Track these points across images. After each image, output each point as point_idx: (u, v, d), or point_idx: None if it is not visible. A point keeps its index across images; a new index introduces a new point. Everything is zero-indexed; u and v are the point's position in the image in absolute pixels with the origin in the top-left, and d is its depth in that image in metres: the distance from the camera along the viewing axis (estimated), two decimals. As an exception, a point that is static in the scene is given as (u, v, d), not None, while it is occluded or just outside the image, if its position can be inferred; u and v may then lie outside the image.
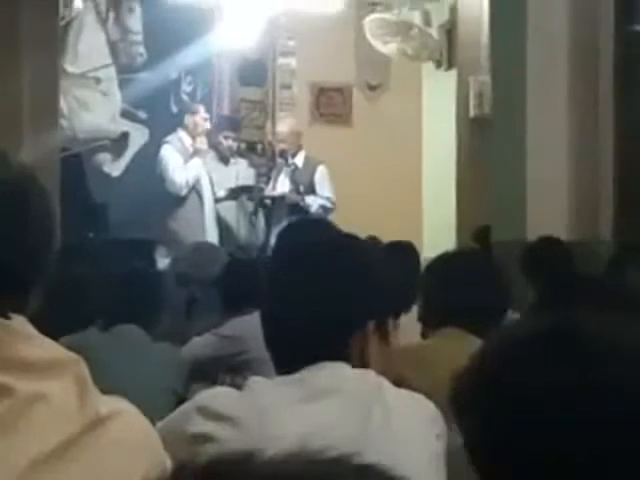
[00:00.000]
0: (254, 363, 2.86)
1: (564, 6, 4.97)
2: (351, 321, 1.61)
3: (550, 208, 4.95)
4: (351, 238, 1.77)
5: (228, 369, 3.36)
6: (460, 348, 1.91)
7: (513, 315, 2.55)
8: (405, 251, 3.92)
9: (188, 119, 6.39)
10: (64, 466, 0.98)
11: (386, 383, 1.61)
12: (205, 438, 1.45)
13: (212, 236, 6.22)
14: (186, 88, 6.76)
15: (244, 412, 1.50)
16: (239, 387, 1.61)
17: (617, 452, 0.81)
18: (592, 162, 4.98)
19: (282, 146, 6.27)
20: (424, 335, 2.58)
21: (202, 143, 6.28)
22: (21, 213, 1.02)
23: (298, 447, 1.14)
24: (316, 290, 1.58)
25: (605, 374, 0.85)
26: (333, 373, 1.54)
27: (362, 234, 2.22)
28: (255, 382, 1.57)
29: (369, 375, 1.57)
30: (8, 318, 0.98)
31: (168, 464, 1.07)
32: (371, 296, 1.60)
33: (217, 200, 6.39)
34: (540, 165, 4.94)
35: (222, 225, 6.43)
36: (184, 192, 6.21)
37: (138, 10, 6.52)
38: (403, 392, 1.62)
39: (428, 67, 6.90)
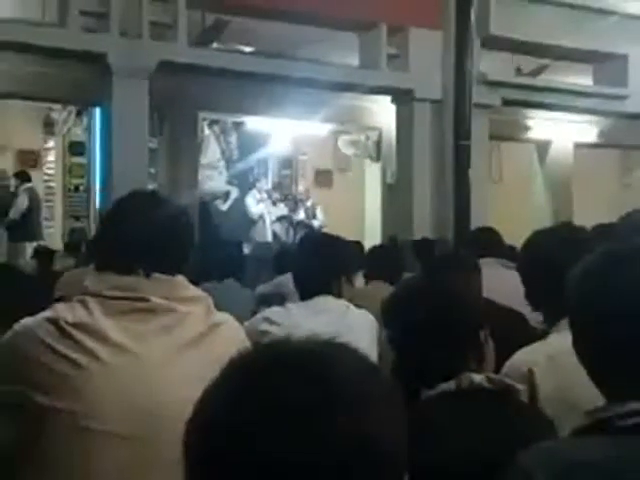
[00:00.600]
0: (289, 296, 3.49)
1: (430, 131, 8.31)
2: (335, 272, 2.57)
3: (423, 223, 8.22)
4: (332, 236, 2.80)
5: (276, 299, 4.06)
6: (385, 289, 3.25)
7: (406, 276, 3.89)
8: (357, 245, 5.83)
9: (257, 184, 11.02)
10: (200, 346, 1.55)
11: (351, 305, 2.57)
12: (265, 333, 2.37)
13: (269, 239, 10.49)
14: (256, 170, 11.32)
15: (284, 320, 2.45)
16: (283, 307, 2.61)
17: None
18: (443, 205, 8.26)
19: (300, 197, 11.02)
20: (366, 283, 4.13)
21: (263, 196, 10.89)
22: (183, 228, 1.64)
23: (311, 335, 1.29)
24: (314, 260, 2.56)
25: (446, 309, 1.54)
26: (325, 301, 2.52)
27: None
28: (290, 305, 2.59)
29: (341, 301, 2.55)
30: (175, 276, 1.59)
31: (249, 346, 1.25)
32: (337, 262, 2.59)
33: (272, 222, 10.79)
34: (417, 205, 8.36)
35: (274, 234, 10.75)
36: (256, 218, 10.54)
37: (234, 134, 11.14)
38: (358, 309, 2.59)
39: (367, 161, 10.73)
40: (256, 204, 10.79)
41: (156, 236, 1.59)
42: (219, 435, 0.76)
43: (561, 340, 1.74)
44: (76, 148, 10.82)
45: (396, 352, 1.64)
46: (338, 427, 0.74)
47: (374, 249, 4.61)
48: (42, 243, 8.77)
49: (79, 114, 10.60)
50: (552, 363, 1.75)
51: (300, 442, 0.73)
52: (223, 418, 0.76)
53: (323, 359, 0.79)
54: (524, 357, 1.83)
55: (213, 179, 10.89)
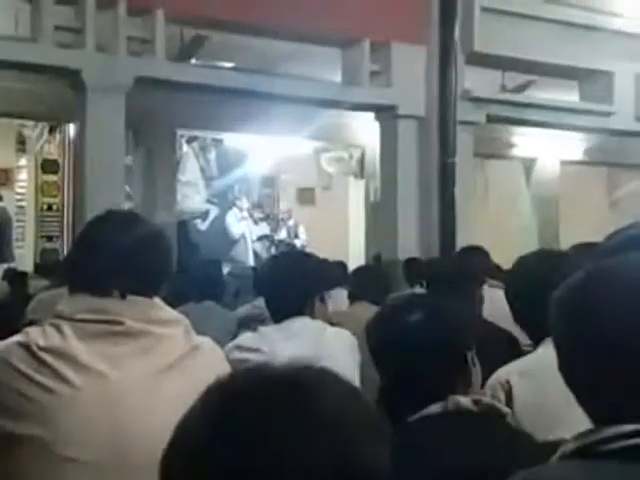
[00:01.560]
0: (268, 318, 3.04)
1: (414, 149, 8.19)
2: (306, 292, 2.52)
3: (407, 242, 8.03)
4: (303, 254, 3.22)
5: (256, 321, 4.02)
6: (369, 310, 3.13)
7: (393, 294, 4.05)
8: (341, 265, 6.27)
9: (238, 203, 11.07)
10: (178, 370, 1.54)
11: (327, 326, 2.53)
12: (241, 361, 2.25)
13: (250, 258, 10.62)
14: (237, 188, 11.34)
15: (260, 344, 2.43)
16: (255, 331, 2.57)
17: None
18: (428, 224, 8.19)
19: (282, 216, 11.07)
20: (350, 304, 4.15)
21: (244, 215, 10.99)
22: (160, 249, 1.64)
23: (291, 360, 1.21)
24: (281, 281, 2.54)
25: (435, 331, 1.53)
26: (300, 323, 2.48)
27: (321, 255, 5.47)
28: (262, 329, 2.55)
29: (317, 322, 2.50)
30: (151, 299, 1.58)
31: (229, 370, 1.34)
32: (307, 280, 2.52)
33: (253, 241, 10.88)
34: (402, 224, 8.15)
35: (255, 253, 10.91)
36: (237, 237, 10.60)
37: (214, 151, 11.18)
38: (336, 329, 2.58)
39: (351, 178, 10.99)
40: (237, 222, 10.91)
41: (132, 257, 1.58)
42: (199, 461, 0.76)
43: (539, 355, 1.85)
44: (49, 166, 10.78)
45: (380, 374, 1.64)
46: (321, 452, 0.74)
47: (358, 269, 4.63)
48: (12, 265, 8.69)
49: (52, 131, 10.57)
50: (528, 375, 1.83)
51: (283, 469, 0.73)
52: (204, 444, 0.76)
53: (305, 384, 0.79)
54: (504, 369, 1.94)
55: (192, 198, 10.92)
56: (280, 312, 2.53)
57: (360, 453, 0.77)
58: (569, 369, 1.12)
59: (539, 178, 11.59)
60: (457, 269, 3.41)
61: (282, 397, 0.77)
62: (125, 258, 1.58)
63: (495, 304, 3.46)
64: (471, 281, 3.21)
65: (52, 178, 10.81)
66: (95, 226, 1.68)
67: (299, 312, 2.52)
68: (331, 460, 0.75)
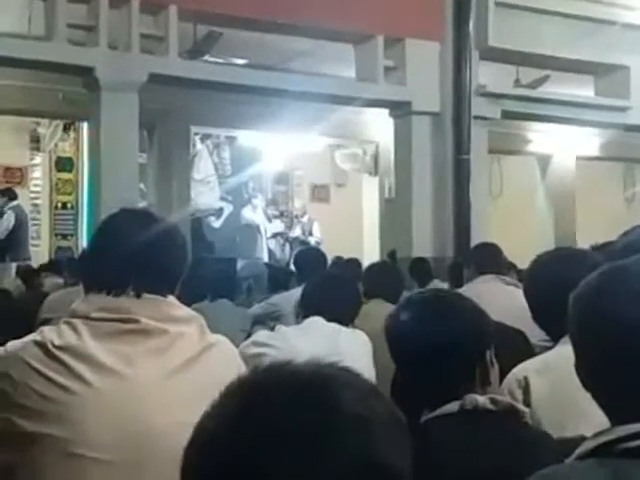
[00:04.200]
0: (283, 317, 3.83)
1: (428, 145, 8.06)
2: (356, 306, 2.77)
3: (422, 238, 7.99)
4: (344, 274, 3.35)
5: (271, 319, 4.45)
6: (384, 307, 3.31)
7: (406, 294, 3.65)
8: (355, 262, 6.13)
9: (253, 201, 11.05)
10: (193, 368, 1.54)
11: (343, 328, 2.59)
12: (258, 355, 2.39)
13: (265, 256, 10.61)
14: (250, 185, 11.34)
15: (276, 340, 2.51)
16: (273, 330, 2.65)
17: None
18: (442, 220, 7.93)
19: (296, 213, 11.06)
20: (365, 302, 3.74)
21: (259, 213, 10.97)
22: (175, 247, 1.64)
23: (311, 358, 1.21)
24: (339, 295, 2.70)
25: (457, 330, 1.53)
26: (317, 322, 2.59)
27: (333, 254, 6.06)
28: (280, 327, 2.68)
29: (332, 324, 2.58)
30: (166, 297, 1.59)
31: (243, 368, 1.55)
32: (352, 303, 2.75)
33: (267, 238, 10.88)
34: (417, 220, 8.06)
35: (269, 251, 10.89)
36: (253, 226, 10.54)
37: (227, 149, 11.18)
38: (351, 330, 2.64)
39: (365, 175, 10.99)
40: (254, 213, 10.94)
41: (147, 255, 1.58)
42: (222, 457, 0.76)
43: (557, 352, 1.85)
44: (63, 164, 10.83)
45: (400, 373, 1.64)
46: (344, 450, 0.74)
47: (372, 266, 4.59)
48: (29, 263, 8.75)
49: (66, 129, 10.62)
50: (546, 372, 1.84)
51: (305, 464, 0.73)
52: (227, 440, 0.76)
53: (328, 382, 0.79)
54: (521, 367, 1.94)
55: (206, 195, 10.90)
56: (321, 315, 2.62)
57: (383, 450, 0.77)
58: (585, 367, 1.12)
59: (555, 174, 11.54)
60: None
61: (305, 394, 0.77)
62: (140, 256, 1.58)
63: (508, 301, 3.49)
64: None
65: (66, 176, 10.86)
66: (109, 224, 1.68)
67: (343, 322, 2.64)
68: (355, 457, 0.75)
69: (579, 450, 1.08)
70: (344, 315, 2.63)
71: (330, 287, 2.73)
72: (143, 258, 1.59)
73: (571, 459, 1.09)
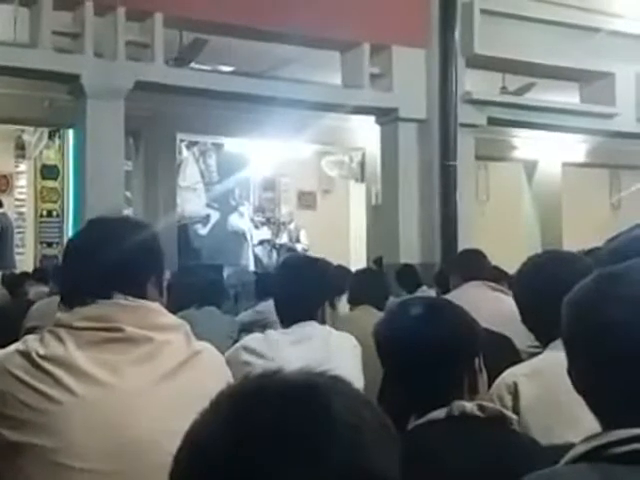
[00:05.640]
0: (270, 324, 3.53)
1: (415, 152, 8.20)
2: (319, 298, 2.53)
3: (409, 245, 8.06)
4: (314, 259, 2.81)
5: (258, 327, 4.29)
6: (370, 314, 3.55)
7: (393, 299, 4.14)
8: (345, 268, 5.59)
9: (240, 209, 11.07)
10: (179, 376, 1.53)
11: (332, 330, 2.52)
12: (247, 363, 2.30)
13: (251, 263, 10.65)
14: (237, 192, 11.35)
15: (265, 349, 2.40)
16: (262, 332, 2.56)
17: None
18: (429, 227, 8.11)
19: (283, 220, 11.07)
20: (351, 309, 4.09)
21: (246, 220, 11.06)
22: (154, 247, 1.64)
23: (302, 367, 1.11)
24: (296, 286, 2.51)
25: (447, 337, 1.54)
26: (307, 328, 2.47)
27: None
28: (270, 332, 2.52)
29: (325, 327, 2.50)
30: (145, 294, 1.58)
31: (230, 377, 1.60)
32: (320, 286, 2.55)
33: (254, 245, 10.92)
34: (404, 227, 8.13)
35: (256, 257, 10.94)
36: (240, 232, 10.59)
37: (214, 156, 11.17)
38: (340, 333, 2.55)
39: (352, 182, 11.09)
40: (240, 219, 10.96)
41: (118, 262, 1.57)
42: (214, 464, 0.76)
43: (547, 357, 1.84)
44: (49, 172, 10.78)
45: (389, 379, 1.64)
46: (335, 458, 0.75)
47: (359, 273, 4.59)
48: (14, 271, 8.69)
49: (51, 136, 10.57)
50: (536, 377, 1.82)
51: (296, 472, 0.74)
52: (219, 447, 0.76)
53: (319, 391, 0.80)
54: (510, 372, 1.93)
55: (192, 202, 10.90)
56: (291, 317, 2.51)
57: (373, 459, 0.77)
58: (578, 371, 1.12)
59: (541, 180, 11.59)
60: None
61: (297, 402, 0.78)
62: (109, 265, 1.57)
63: (495, 307, 3.50)
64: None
65: (52, 184, 10.81)
66: (82, 234, 1.70)
67: (310, 317, 2.50)
68: (345, 465, 0.75)
69: (570, 454, 1.08)
70: (306, 311, 2.50)
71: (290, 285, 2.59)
72: (114, 266, 1.57)
73: (562, 463, 1.09)
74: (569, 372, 1.15)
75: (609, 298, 1.09)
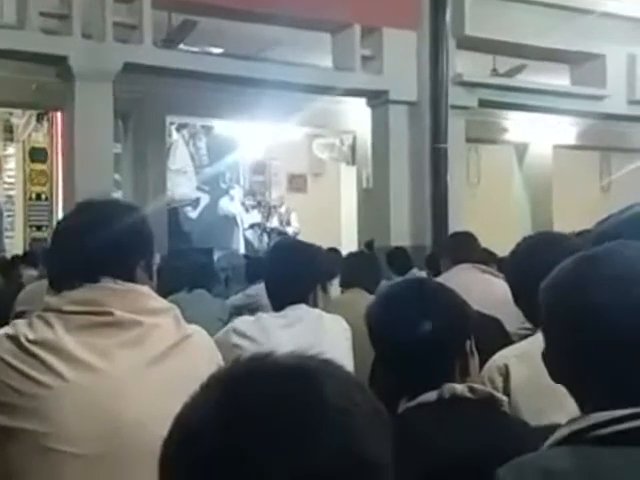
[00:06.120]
0: (261, 307, 3.52)
1: (406, 134, 8.18)
2: (310, 281, 2.52)
3: (400, 228, 8.08)
4: (305, 243, 2.79)
5: (249, 310, 4.26)
6: (362, 297, 3.58)
7: (383, 282, 4.09)
8: (337, 252, 5.92)
9: (231, 192, 11.05)
10: (169, 360, 1.54)
11: (324, 314, 2.50)
12: (237, 346, 2.30)
13: (241, 247, 10.63)
14: (227, 175, 11.34)
15: (255, 333, 2.40)
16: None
17: None
18: (420, 209, 8.13)
19: (274, 203, 11.07)
20: (342, 292, 4.12)
21: (237, 202, 11.01)
22: (143, 231, 1.63)
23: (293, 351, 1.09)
24: (287, 269, 2.49)
25: (438, 320, 1.53)
26: (298, 311, 2.46)
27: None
28: (260, 315, 2.51)
29: (314, 310, 2.48)
30: (133, 277, 1.58)
31: (221, 360, 1.63)
32: (311, 269, 2.53)
33: (245, 229, 10.92)
34: (394, 210, 8.03)
35: (247, 241, 10.93)
36: (231, 216, 10.61)
37: (204, 139, 11.13)
38: (331, 315, 2.54)
39: (343, 165, 11.03)
40: (231, 203, 10.93)
41: (107, 246, 1.56)
42: (205, 448, 0.75)
43: (538, 338, 1.83)
44: (37, 154, 10.72)
45: (380, 362, 1.64)
46: (327, 442, 0.75)
47: (350, 256, 4.58)
48: (4, 254, 8.65)
49: (40, 119, 10.50)
50: (527, 359, 1.80)
51: (288, 456, 0.74)
52: (210, 431, 0.76)
53: (311, 374, 0.79)
54: (502, 354, 1.93)
55: (182, 185, 10.83)
56: (283, 300, 2.49)
57: (366, 443, 0.77)
58: (556, 355, 1.13)
59: (532, 162, 11.61)
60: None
61: (289, 386, 0.78)
62: (96, 249, 1.56)
63: (485, 290, 3.51)
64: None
65: (40, 167, 10.75)
66: (70, 217, 1.69)
67: (302, 300, 2.49)
68: (338, 449, 0.75)
69: (553, 438, 1.10)
70: (298, 294, 2.49)
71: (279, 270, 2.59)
72: (99, 250, 1.56)
73: (545, 447, 1.10)
74: (544, 356, 1.15)
75: (589, 281, 1.09)
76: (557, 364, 1.13)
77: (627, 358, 1.05)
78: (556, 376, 1.14)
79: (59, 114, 8.94)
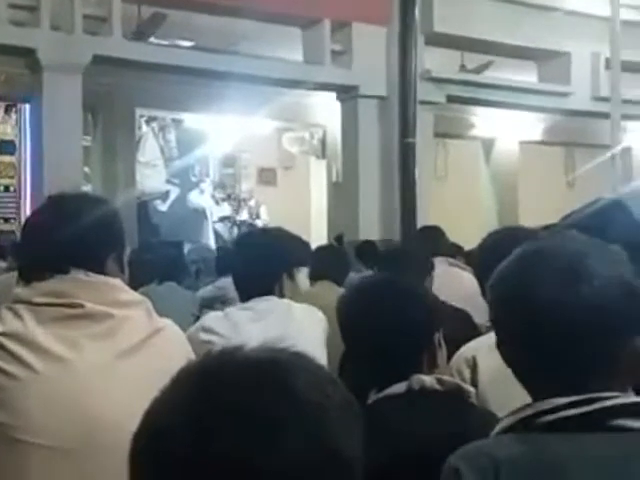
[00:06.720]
0: (230, 300, 3.52)
1: (375, 129, 8.19)
2: (276, 271, 2.47)
3: (369, 222, 8.09)
4: (270, 232, 2.82)
5: (219, 302, 4.55)
6: (331, 289, 3.66)
7: (353, 275, 4.31)
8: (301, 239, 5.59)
9: (201, 185, 10.99)
10: (140, 352, 1.53)
11: (293, 304, 2.46)
12: (207, 343, 2.24)
13: (211, 239, 10.58)
14: (197, 168, 11.26)
15: (224, 328, 2.36)
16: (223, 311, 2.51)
17: None
18: (389, 203, 8.14)
19: (244, 196, 11.02)
20: (312, 284, 3.99)
21: (207, 196, 10.99)
22: (113, 223, 1.63)
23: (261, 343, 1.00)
24: (252, 260, 2.46)
25: (406, 312, 1.55)
26: (266, 303, 2.43)
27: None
28: (229, 311, 2.48)
29: (283, 301, 2.45)
30: (103, 269, 1.57)
31: (191, 353, 1.63)
32: (275, 259, 2.46)
33: (214, 222, 10.87)
34: (364, 204, 8.07)
35: (217, 234, 10.84)
36: (200, 209, 10.58)
37: (174, 132, 11.04)
38: (303, 306, 2.50)
39: (313, 159, 10.98)
40: (200, 196, 10.84)
41: (77, 239, 1.56)
42: (175, 443, 0.75)
43: None
44: (5, 147, 10.56)
45: (350, 354, 1.65)
46: (298, 436, 0.74)
47: (319, 249, 4.59)
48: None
49: (8, 111, 10.35)
50: (494, 351, 1.80)
51: (259, 451, 0.73)
52: (180, 425, 0.75)
53: (282, 368, 0.79)
54: (469, 346, 1.95)
55: (152, 178, 10.75)
56: (249, 291, 2.47)
57: (337, 437, 0.77)
58: (507, 347, 1.15)
59: (498, 158, 11.70)
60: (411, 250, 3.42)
61: (260, 380, 0.77)
62: (67, 241, 1.55)
63: (454, 283, 3.59)
64: (425, 262, 3.25)
65: (8, 159, 10.60)
66: (41, 210, 1.68)
67: (268, 291, 2.46)
68: (309, 443, 0.75)
69: (501, 425, 1.12)
70: (263, 286, 2.46)
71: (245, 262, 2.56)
72: (70, 243, 1.55)
73: (493, 434, 1.12)
74: (498, 346, 1.17)
75: (533, 275, 1.11)
76: (507, 356, 1.16)
77: (567, 348, 1.08)
78: (509, 365, 1.17)
79: (27, 106, 8.80)
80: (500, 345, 1.17)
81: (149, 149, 10.70)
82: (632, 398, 1.08)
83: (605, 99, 8.24)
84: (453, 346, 1.95)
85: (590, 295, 1.07)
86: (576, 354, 1.08)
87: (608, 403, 1.06)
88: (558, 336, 1.09)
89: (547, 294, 1.09)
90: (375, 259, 6.20)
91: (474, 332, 2.48)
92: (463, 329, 2.54)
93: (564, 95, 9.38)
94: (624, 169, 8.23)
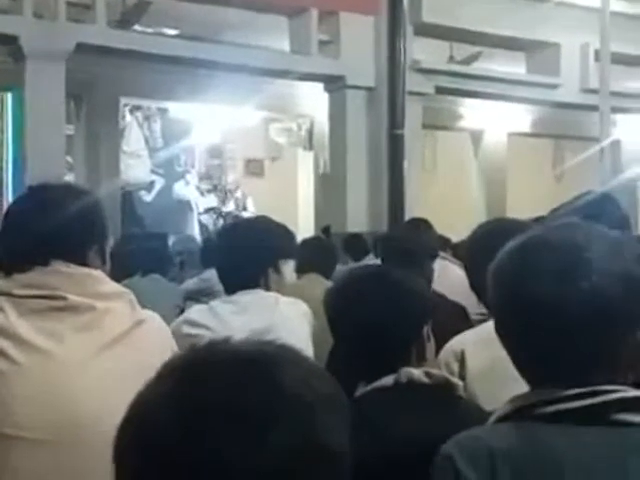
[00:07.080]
0: (215, 293, 3.52)
1: (363, 120, 8.14)
2: (262, 263, 2.43)
3: (357, 214, 8.04)
4: (255, 223, 2.74)
5: (204, 295, 4.49)
6: (318, 282, 3.66)
7: (340, 268, 4.30)
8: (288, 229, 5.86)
9: (187, 176, 10.92)
10: (123, 345, 1.53)
11: (280, 297, 2.44)
12: (191, 336, 2.23)
13: (196, 231, 10.47)
14: (182, 159, 11.17)
15: (209, 321, 2.35)
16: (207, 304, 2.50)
17: None
18: (377, 195, 8.09)
19: (230, 187, 10.96)
20: (298, 277, 4.02)
21: (192, 187, 10.94)
22: (96, 215, 1.63)
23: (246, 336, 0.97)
24: (234, 255, 2.43)
25: (396, 305, 1.56)
26: (252, 296, 2.41)
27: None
28: (214, 304, 2.46)
29: (269, 294, 2.43)
30: (86, 261, 1.58)
31: (175, 346, 1.65)
32: (260, 253, 2.42)
33: (199, 213, 10.81)
34: (351, 195, 8.16)
35: (201, 225, 10.77)
36: (185, 201, 10.55)
37: (159, 121, 10.96)
38: (289, 299, 2.48)
39: (300, 150, 10.98)
40: (186, 187, 10.79)
41: (58, 230, 1.55)
42: (160, 436, 0.74)
43: (492, 324, 1.86)
44: (-14, 136, 10.47)
45: (339, 347, 1.65)
46: (285, 430, 0.74)
47: (306, 241, 4.58)
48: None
49: (-11, 100, 10.27)
50: (483, 344, 1.81)
51: (246, 444, 0.73)
52: (166, 419, 0.75)
53: (268, 361, 0.78)
54: (458, 339, 1.94)
55: (136, 168, 10.66)
56: (234, 284, 2.44)
57: (324, 431, 0.77)
58: (506, 337, 1.16)
59: (487, 150, 11.73)
60: (412, 243, 3.39)
61: (246, 373, 0.76)
62: (49, 232, 1.55)
63: (443, 276, 3.62)
64: (423, 254, 3.24)
65: (-11, 148, 10.50)
66: (20, 200, 1.68)
67: (254, 283, 2.43)
68: (296, 437, 0.74)
69: (497, 413, 1.12)
70: (248, 279, 2.44)
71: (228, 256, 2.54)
72: (52, 234, 1.55)
73: (489, 422, 1.12)
74: (499, 338, 1.17)
75: (532, 265, 1.11)
76: (505, 344, 1.16)
77: (569, 338, 1.08)
78: (509, 355, 1.17)
79: (10, 95, 8.73)
80: (498, 333, 1.17)
81: (133, 138, 10.62)
82: (633, 392, 1.08)
83: (594, 91, 8.23)
84: (445, 337, 1.95)
85: (589, 290, 1.07)
86: (576, 349, 1.08)
87: (612, 396, 1.06)
88: (558, 332, 1.09)
89: (545, 290, 1.09)
90: (363, 251, 6.28)
91: (466, 325, 2.46)
92: (455, 321, 2.54)
93: (553, 87, 9.40)
94: (613, 162, 8.24)
